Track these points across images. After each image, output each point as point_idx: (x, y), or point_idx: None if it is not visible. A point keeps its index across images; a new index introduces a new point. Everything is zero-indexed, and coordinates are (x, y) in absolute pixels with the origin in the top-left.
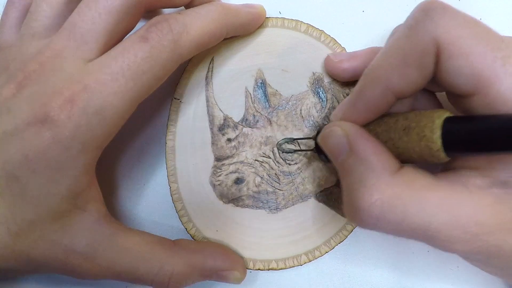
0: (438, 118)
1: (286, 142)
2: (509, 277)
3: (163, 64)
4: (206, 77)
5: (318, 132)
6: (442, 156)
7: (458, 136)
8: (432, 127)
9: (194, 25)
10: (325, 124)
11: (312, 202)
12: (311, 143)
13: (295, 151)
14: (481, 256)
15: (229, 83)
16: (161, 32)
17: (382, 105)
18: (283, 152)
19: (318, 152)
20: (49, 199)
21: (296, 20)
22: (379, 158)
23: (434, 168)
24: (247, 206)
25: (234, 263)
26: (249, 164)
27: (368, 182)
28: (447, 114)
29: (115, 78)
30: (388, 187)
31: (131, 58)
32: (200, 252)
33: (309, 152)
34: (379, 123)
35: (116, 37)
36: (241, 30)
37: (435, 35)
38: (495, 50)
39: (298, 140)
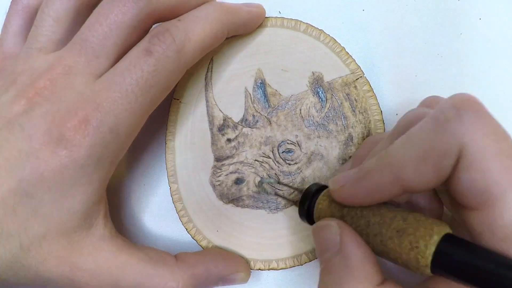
0: (437, 234)
1: (269, 182)
2: None
3: (170, 75)
4: (206, 78)
5: (307, 193)
6: (427, 272)
7: (450, 260)
8: (428, 241)
9: (196, 30)
10: (314, 185)
11: None
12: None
13: (277, 194)
14: None
15: (228, 83)
16: (164, 44)
17: (387, 194)
18: (263, 191)
19: (300, 210)
20: (61, 214)
21: (296, 20)
22: (365, 267)
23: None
24: (247, 206)
25: (237, 264)
26: (249, 164)
27: (347, 286)
28: (446, 230)
29: (125, 95)
30: None
31: (138, 73)
32: (202, 263)
33: (308, 153)
34: (375, 213)
35: (125, 51)
36: (242, 29)
37: (461, 140)
38: None
39: (283, 185)
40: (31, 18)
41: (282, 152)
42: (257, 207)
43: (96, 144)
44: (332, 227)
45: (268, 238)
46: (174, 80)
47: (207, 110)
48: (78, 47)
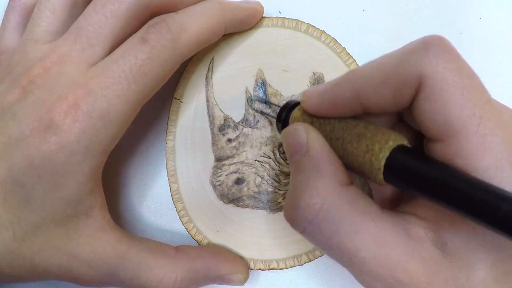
0: (393, 141)
1: (258, 100)
2: None
3: (164, 64)
4: (206, 77)
5: (285, 105)
6: (380, 177)
7: (402, 167)
8: (383, 145)
9: (192, 23)
10: (293, 101)
11: None
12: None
13: (261, 112)
14: None
15: (229, 83)
16: (159, 33)
17: (348, 109)
18: (251, 106)
19: (278, 121)
20: (54, 204)
21: (297, 20)
22: (331, 166)
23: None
24: (247, 206)
25: (237, 265)
26: (249, 165)
27: (314, 183)
28: (403, 142)
29: (118, 81)
30: (331, 195)
31: (132, 60)
32: (203, 258)
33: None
34: (341, 120)
35: (121, 41)
36: (240, 26)
37: (422, 70)
38: (476, 107)
39: (271, 106)
40: (29, 15)
41: (283, 153)
42: (257, 207)
43: (86, 131)
44: (299, 131)
45: (268, 238)
46: (168, 70)
47: (208, 110)
48: (73, 36)
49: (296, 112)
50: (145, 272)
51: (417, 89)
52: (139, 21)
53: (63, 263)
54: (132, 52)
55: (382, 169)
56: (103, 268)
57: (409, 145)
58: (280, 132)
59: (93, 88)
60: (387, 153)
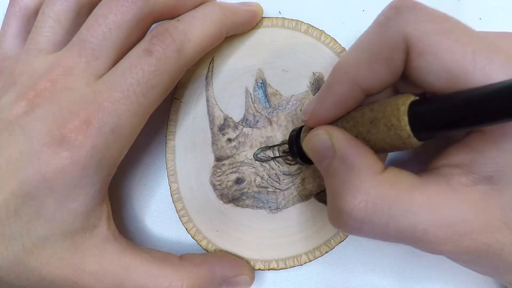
0: (403, 104)
1: (262, 151)
2: (499, 275)
3: (170, 75)
4: (207, 77)
5: (291, 137)
6: (414, 141)
7: (425, 117)
8: (398, 115)
9: (194, 30)
10: (295, 129)
11: (312, 202)
12: (286, 147)
13: (272, 158)
14: (470, 256)
15: (229, 83)
16: (164, 44)
17: (351, 101)
18: (260, 162)
19: (293, 155)
20: (63, 216)
21: (296, 20)
22: (362, 159)
23: (419, 167)
24: (247, 206)
25: (242, 267)
26: (249, 164)
27: (352, 183)
28: (411, 98)
29: (127, 95)
30: (372, 188)
31: (139, 74)
32: (207, 264)
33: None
34: (347, 119)
35: (126, 51)
36: (240, 29)
37: (404, 32)
38: (465, 44)
39: (274, 147)
40: (29, 20)
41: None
42: (257, 207)
43: (98, 145)
44: (321, 135)
45: (268, 238)
46: (174, 80)
47: (208, 109)
48: (77, 48)
49: (304, 137)
50: (151, 281)
51: (406, 50)
52: (142, 30)
53: (69, 276)
54: (139, 65)
55: (411, 134)
56: (108, 279)
57: (416, 98)
58: (299, 162)
59: (103, 103)
60: (406, 119)
